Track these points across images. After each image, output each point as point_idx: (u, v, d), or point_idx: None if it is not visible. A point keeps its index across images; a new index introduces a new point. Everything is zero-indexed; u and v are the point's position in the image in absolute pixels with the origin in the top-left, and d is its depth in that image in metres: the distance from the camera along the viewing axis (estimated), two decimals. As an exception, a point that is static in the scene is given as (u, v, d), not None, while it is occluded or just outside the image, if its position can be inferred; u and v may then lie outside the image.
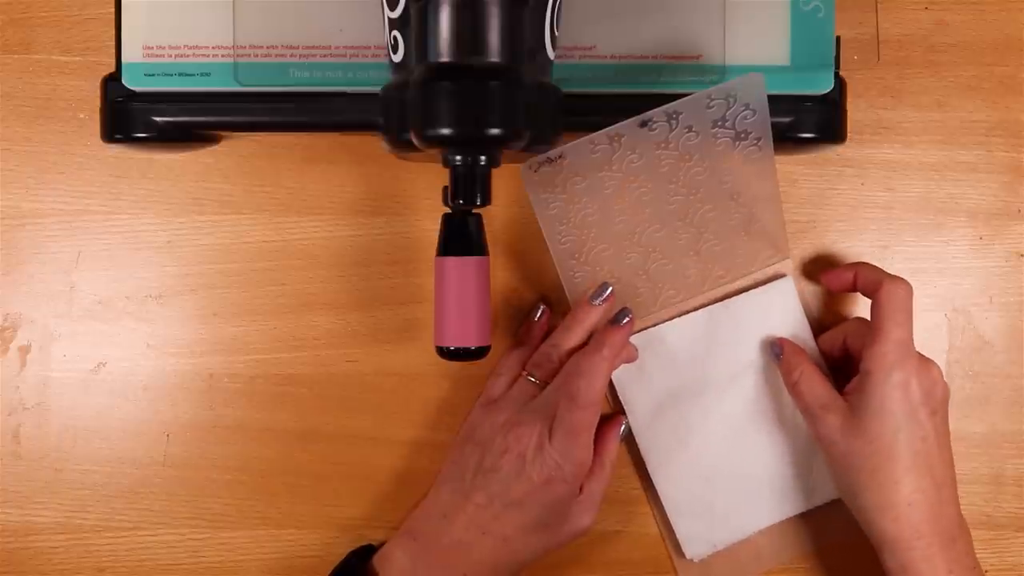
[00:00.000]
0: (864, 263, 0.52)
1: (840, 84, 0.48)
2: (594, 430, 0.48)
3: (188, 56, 0.48)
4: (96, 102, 0.49)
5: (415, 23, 0.42)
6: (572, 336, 0.51)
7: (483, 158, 0.43)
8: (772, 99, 0.45)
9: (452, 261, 0.46)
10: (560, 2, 0.44)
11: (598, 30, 0.48)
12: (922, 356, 0.48)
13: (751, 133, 0.46)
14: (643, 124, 0.45)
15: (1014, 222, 0.55)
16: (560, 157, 0.45)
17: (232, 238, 0.54)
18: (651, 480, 0.54)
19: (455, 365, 0.54)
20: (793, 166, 0.55)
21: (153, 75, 0.48)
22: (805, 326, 0.53)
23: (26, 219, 0.54)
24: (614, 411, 0.54)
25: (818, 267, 0.55)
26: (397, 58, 0.43)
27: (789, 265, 0.55)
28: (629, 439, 0.54)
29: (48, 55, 0.54)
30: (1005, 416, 0.55)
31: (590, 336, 0.51)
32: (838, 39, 0.48)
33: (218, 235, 0.54)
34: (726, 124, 0.45)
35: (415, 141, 0.43)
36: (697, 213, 0.50)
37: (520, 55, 0.42)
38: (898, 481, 0.46)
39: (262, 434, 0.54)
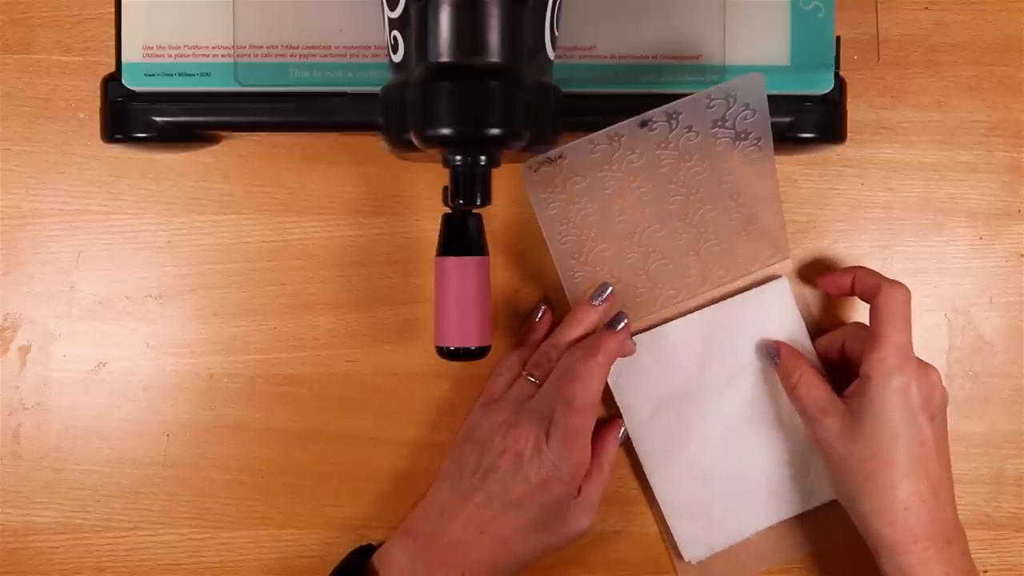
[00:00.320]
0: (862, 267, 0.52)
1: (840, 84, 0.48)
2: (591, 432, 0.48)
3: (188, 56, 0.48)
4: (96, 102, 0.49)
5: (415, 23, 0.42)
6: (572, 336, 0.51)
7: (483, 158, 0.43)
8: (772, 99, 0.45)
9: (452, 261, 0.46)
10: (560, 2, 0.44)
11: (598, 30, 0.48)
12: (921, 361, 0.48)
13: (751, 133, 0.46)
14: (643, 124, 0.45)
15: (1014, 222, 0.55)
16: (560, 157, 0.45)
17: (232, 238, 0.54)
18: (648, 481, 0.54)
19: (455, 365, 0.54)
20: (793, 166, 0.55)
21: (153, 75, 0.48)
22: (802, 328, 0.53)
23: (26, 219, 0.54)
24: (612, 415, 0.54)
25: (818, 267, 0.55)
26: (397, 58, 0.43)
27: (789, 265, 0.55)
28: (627, 440, 0.54)
29: (48, 55, 0.54)
30: (1005, 416, 0.55)
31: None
32: (838, 39, 0.48)
33: (218, 235, 0.54)
34: (726, 124, 0.45)
35: (415, 141, 0.43)
36: (697, 213, 0.50)
37: (520, 55, 0.42)
38: (895, 486, 0.46)
39: (262, 434, 0.54)
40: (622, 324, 0.50)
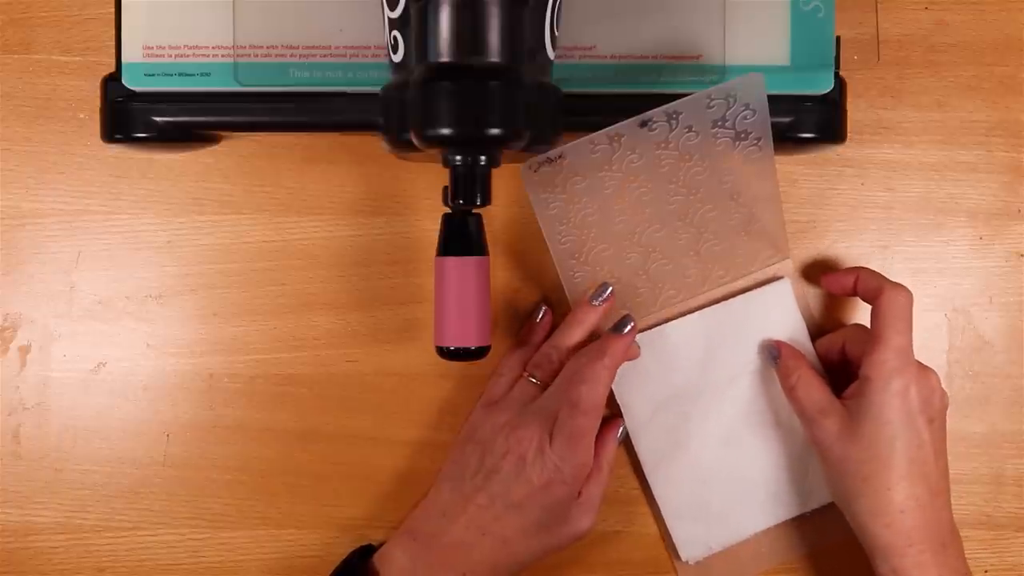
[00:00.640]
0: (865, 268, 0.52)
1: (840, 84, 0.48)
2: (595, 434, 0.48)
3: (188, 56, 0.48)
4: (96, 102, 0.49)
5: (415, 23, 0.42)
6: (572, 337, 0.51)
7: (483, 158, 0.43)
8: (772, 99, 0.45)
9: (452, 261, 0.46)
10: (560, 2, 0.44)
11: (598, 30, 0.48)
12: (921, 364, 0.48)
13: (751, 133, 0.46)
14: (643, 124, 0.45)
15: (1014, 222, 0.55)
16: (560, 157, 0.45)
17: (232, 238, 0.54)
18: (648, 481, 0.54)
19: (455, 365, 0.53)
20: (793, 166, 0.55)
21: (153, 75, 0.48)
22: (802, 328, 0.53)
23: (26, 219, 0.54)
24: (612, 414, 0.54)
25: (818, 267, 0.55)
26: (397, 58, 0.43)
27: (789, 265, 0.55)
28: (627, 440, 0.54)
29: (48, 55, 0.54)
30: (1005, 416, 0.55)
31: (591, 336, 0.51)
32: (838, 39, 0.48)
33: (218, 235, 0.54)
34: (726, 124, 0.45)
35: (415, 141, 0.43)
36: (697, 213, 0.50)
37: (520, 55, 0.42)
38: (891, 488, 0.46)
39: (262, 434, 0.54)
40: (629, 327, 0.50)
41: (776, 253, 0.54)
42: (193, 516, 0.54)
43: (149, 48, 0.48)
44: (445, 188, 0.45)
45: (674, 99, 0.44)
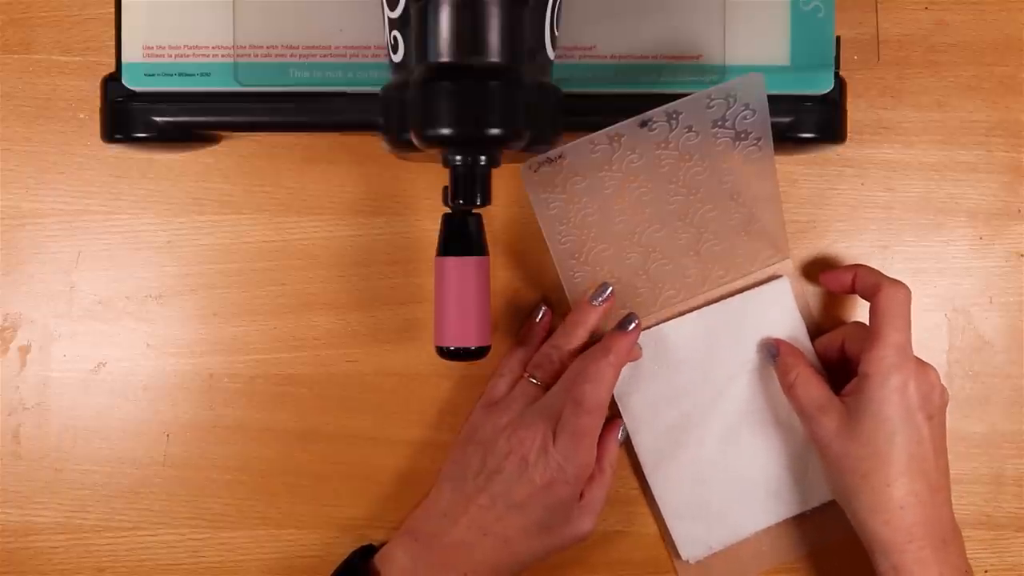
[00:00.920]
0: (863, 265, 0.52)
1: (840, 84, 0.48)
2: (598, 434, 0.48)
3: (188, 56, 0.48)
4: (96, 102, 0.49)
5: (415, 23, 0.42)
6: (573, 337, 0.51)
7: (483, 158, 0.43)
8: (772, 99, 0.45)
9: (452, 261, 0.46)
10: (560, 2, 0.44)
11: (598, 30, 0.48)
12: (921, 360, 0.48)
13: (751, 133, 0.46)
14: (643, 124, 0.45)
15: (1014, 222, 0.55)
16: (560, 157, 0.45)
17: (232, 238, 0.54)
18: (648, 481, 0.54)
19: (455, 365, 0.54)
20: (793, 166, 0.55)
21: (153, 75, 0.48)
22: (801, 327, 0.53)
23: (26, 219, 0.54)
24: (611, 415, 0.54)
25: (818, 267, 0.55)
26: (397, 58, 0.43)
27: (789, 265, 0.55)
28: (627, 440, 0.54)
29: (48, 55, 0.54)
30: (1005, 416, 0.55)
31: (591, 336, 0.51)
32: (838, 39, 0.48)
33: (218, 235, 0.54)
34: (726, 124, 0.45)
35: (415, 141, 0.43)
36: (697, 213, 0.50)
37: (520, 55, 0.42)
38: (891, 484, 0.46)
39: (262, 434, 0.54)
40: (633, 325, 0.50)
41: (776, 253, 0.54)
42: (193, 516, 0.54)
43: (149, 48, 0.48)
44: (445, 188, 0.45)
45: (674, 99, 0.44)
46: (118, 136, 0.48)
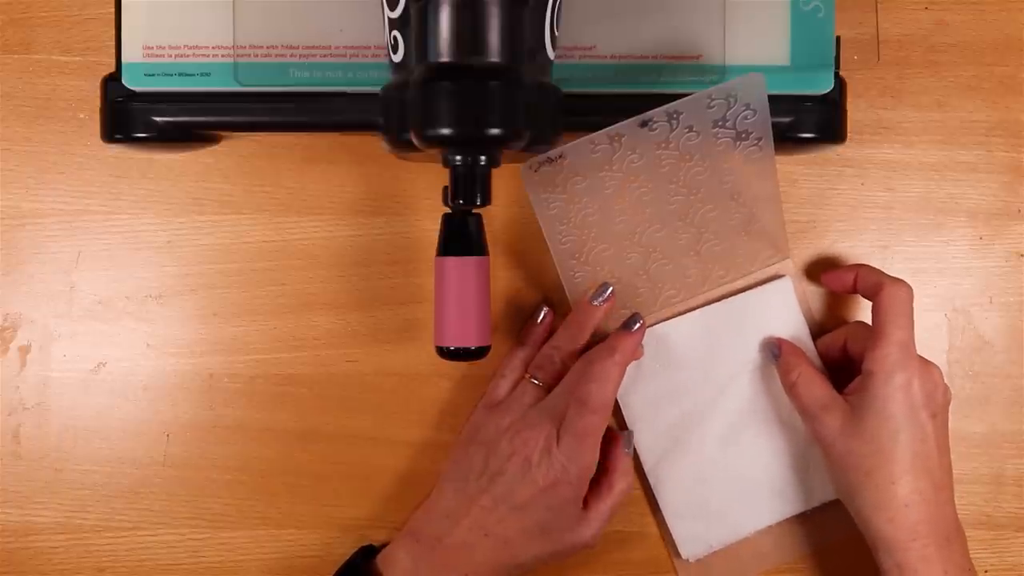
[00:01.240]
0: (864, 265, 0.52)
1: (840, 84, 0.48)
2: (602, 434, 0.48)
3: (188, 56, 0.48)
4: (96, 102, 0.49)
5: (415, 23, 0.42)
6: (574, 337, 0.51)
7: (483, 158, 0.43)
8: (772, 99, 0.45)
9: (452, 261, 0.46)
10: (560, 2, 0.44)
11: (598, 30, 0.48)
12: (924, 359, 0.48)
13: (752, 133, 0.46)
14: (644, 124, 0.45)
15: (1014, 222, 0.55)
16: (560, 157, 0.45)
17: (232, 238, 0.54)
18: (648, 480, 0.54)
19: (455, 365, 0.54)
20: (793, 166, 0.54)
21: (153, 75, 0.48)
22: (803, 326, 0.53)
23: (26, 219, 0.54)
24: (615, 427, 0.53)
25: (818, 267, 0.55)
26: (397, 58, 0.43)
27: (789, 265, 0.55)
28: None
29: (48, 55, 0.54)
30: (1005, 416, 0.55)
31: (592, 336, 0.51)
32: (838, 39, 0.48)
33: (218, 235, 0.54)
34: (727, 124, 0.45)
35: (415, 141, 0.43)
36: (697, 213, 0.50)
37: (520, 55, 0.42)
38: (895, 482, 0.46)
39: (262, 434, 0.54)
40: (638, 325, 0.50)
41: (776, 253, 0.54)
42: (193, 516, 0.54)
43: (149, 48, 0.48)
44: (445, 188, 0.45)
45: (674, 99, 0.44)
46: (118, 136, 0.48)
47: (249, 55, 0.48)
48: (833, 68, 0.48)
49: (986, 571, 0.55)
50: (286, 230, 0.54)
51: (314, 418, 0.54)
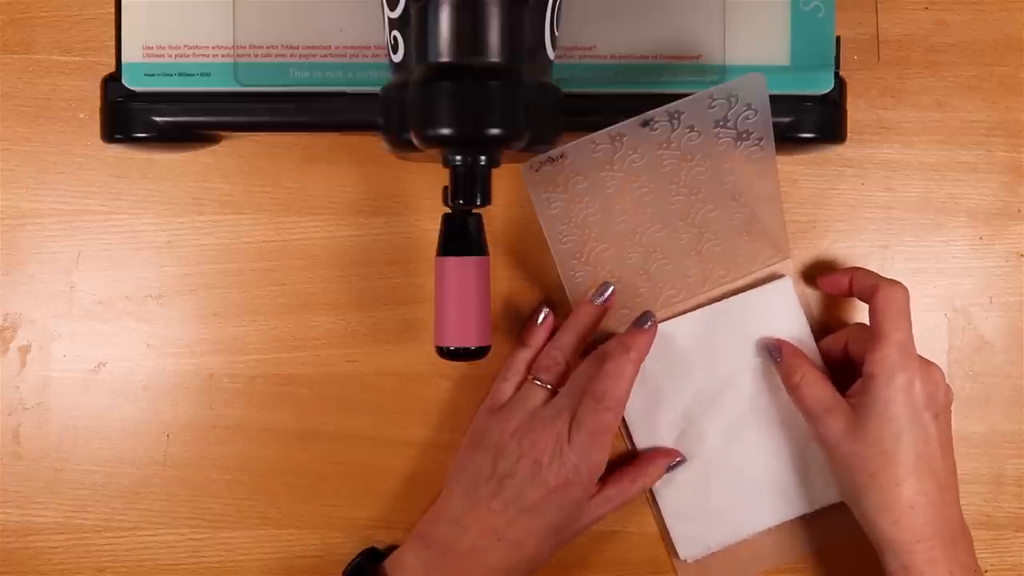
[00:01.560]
0: (859, 268, 0.52)
1: (840, 84, 0.48)
2: (614, 433, 0.48)
3: (188, 56, 0.48)
4: (96, 102, 0.49)
5: (415, 23, 0.42)
6: (575, 338, 0.51)
7: (483, 158, 0.43)
8: (772, 99, 0.45)
9: (452, 261, 0.46)
10: (560, 2, 0.44)
11: (598, 30, 0.48)
12: (924, 359, 0.48)
13: (753, 133, 0.46)
14: (645, 124, 0.45)
15: (1014, 222, 0.55)
16: (561, 156, 0.45)
17: (232, 238, 0.54)
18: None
19: (455, 365, 0.54)
20: (793, 166, 0.54)
21: (153, 75, 0.48)
22: (805, 327, 0.53)
23: (26, 219, 0.54)
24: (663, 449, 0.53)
25: (818, 267, 0.55)
26: (397, 58, 0.43)
27: (790, 265, 0.55)
28: (627, 439, 0.54)
29: (48, 55, 0.54)
30: (1005, 416, 0.55)
31: (593, 337, 0.51)
32: (838, 39, 0.48)
33: (218, 235, 0.54)
34: (728, 124, 0.45)
35: (415, 141, 0.43)
36: (698, 213, 0.50)
37: (520, 55, 0.42)
38: (900, 483, 0.46)
39: (262, 434, 0.54)
40: (650, 322, 0.49)
41: (777, 253, 0.54)
42: (193, 516, 0.54)
43: (149, 48, 0.48)
44: (445, 188, 0.45)
45: (674, 99, 0.44)
46: (118, 136, 0.48)
47: (249, 55, 0.48)
48: (833, 68, 0.48)
49: (986, 571, 0.55)
50: (286, 230, 0.54)
51: (314, 418, 0.54)
